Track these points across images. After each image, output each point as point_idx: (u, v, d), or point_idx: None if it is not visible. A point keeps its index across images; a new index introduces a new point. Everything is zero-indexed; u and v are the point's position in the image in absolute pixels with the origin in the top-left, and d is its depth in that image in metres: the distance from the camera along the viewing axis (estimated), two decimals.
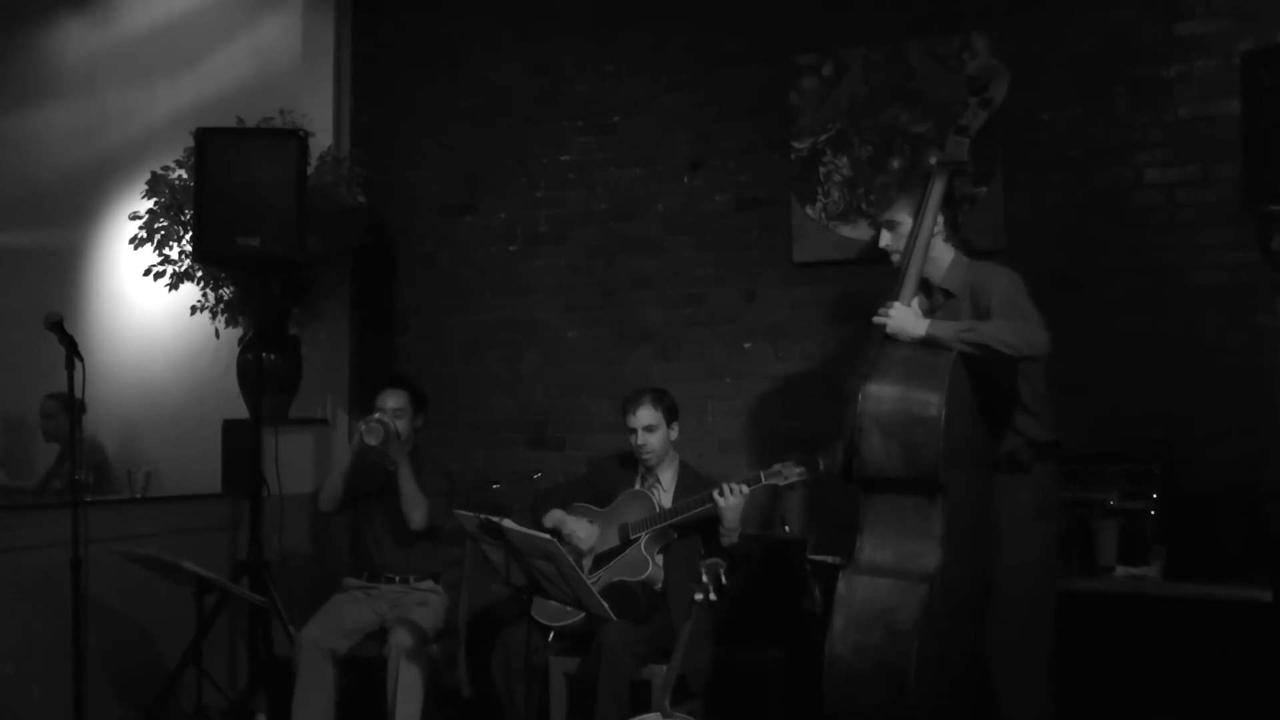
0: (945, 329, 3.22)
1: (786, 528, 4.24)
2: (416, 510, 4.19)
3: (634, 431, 4.01)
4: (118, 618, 4.33)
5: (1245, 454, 3.77)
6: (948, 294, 3.38)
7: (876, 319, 3.30)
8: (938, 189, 3.32)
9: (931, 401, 3.07)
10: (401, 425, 4.25)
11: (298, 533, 4.92)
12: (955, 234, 3.45)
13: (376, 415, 4.17)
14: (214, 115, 4.97)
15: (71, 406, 4.17)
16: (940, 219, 3.36)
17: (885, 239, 3.49)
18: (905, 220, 3.40)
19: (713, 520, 3.83)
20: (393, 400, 4.29)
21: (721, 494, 3.76)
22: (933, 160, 3.48)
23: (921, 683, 2.97)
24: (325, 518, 4.84)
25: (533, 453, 5.06)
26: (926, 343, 3.21)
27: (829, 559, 3.79)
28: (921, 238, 3.31)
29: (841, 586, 3.13)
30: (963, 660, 3.20)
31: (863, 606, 3.08)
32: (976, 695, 3.22)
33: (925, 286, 3.43)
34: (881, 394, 3.16)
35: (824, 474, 3.74)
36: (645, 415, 4.00)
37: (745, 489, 3.77)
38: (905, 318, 3.26)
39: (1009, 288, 3.27)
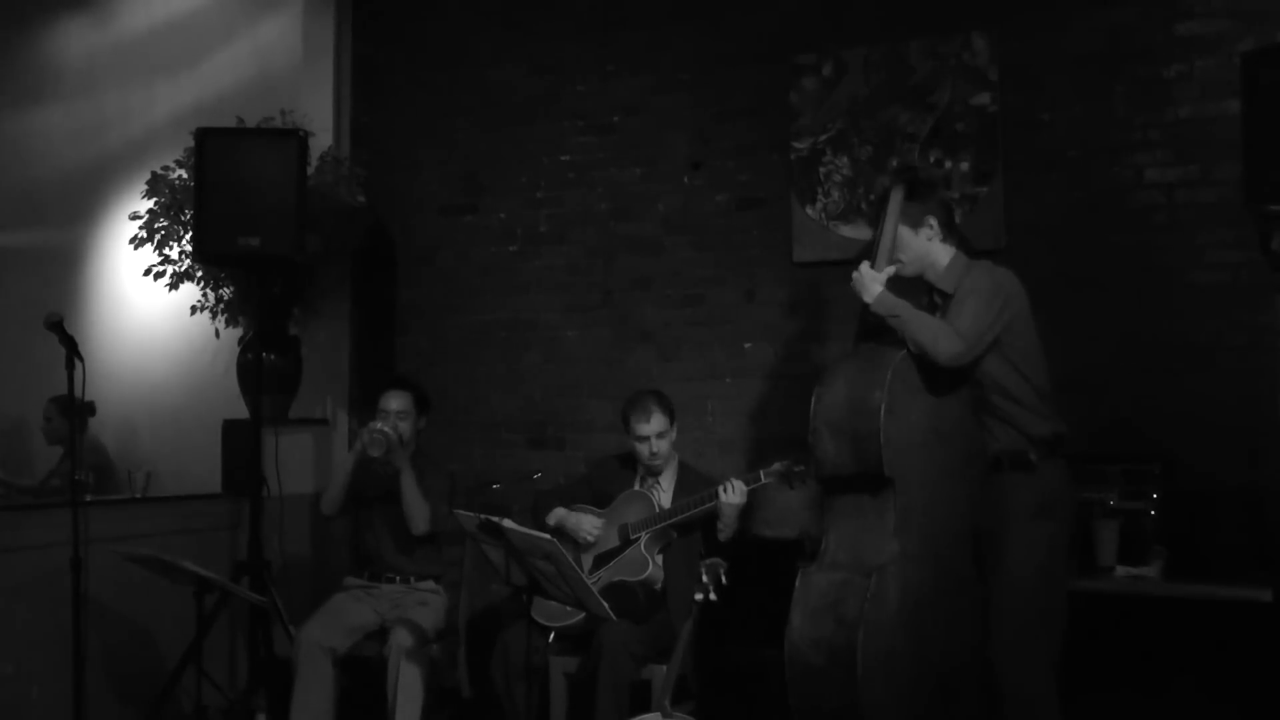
0: (886, 302, 3.35)
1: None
2: (419, 516, 4.18)
3: (644, 440, 4.00)
4: (118, 618, 4.33)
5: (1245, 454, 3.77)
6: (945, 295, 3.38)
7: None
8: (896, 198, 3.42)
9: (871, 395, 3.21)
10: (404, 427, 4.25)
11: (298, 533, 4.92)
12: (951, 234, 3.45)
13: (379, 426, 4.17)
14: (214, 115, 4.97)
15: (70, 410, 4.19)
16: (934, 222, 3.40)
17: None
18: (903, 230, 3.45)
19: (712, 518, 3.84)
20: (396, 402, 4.29)
21: (725, 490, 3.77)
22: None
23: (876, 671, 3.02)
24: (326, 518, 4.85)
25: (533, 453, 5.06)
26: (873, 308, 3.35)
27: None
28: (884, 245, 3.41)
29: (799, 584, 3.26)
30: (953, 661, 3.21)
31: (817, 600, 3.20)
32: (983, 696, 3.21)
33: (929, 289, 3.45)
34: (829, 395, 3.33)
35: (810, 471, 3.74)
36: (657, 423, 3.99)
37: (744, 487, 3.77)
38: (864, 276, 3.40)
39: (973, 288, 3.29)
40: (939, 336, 3.23)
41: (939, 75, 3.46)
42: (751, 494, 3.81)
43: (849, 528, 3.30)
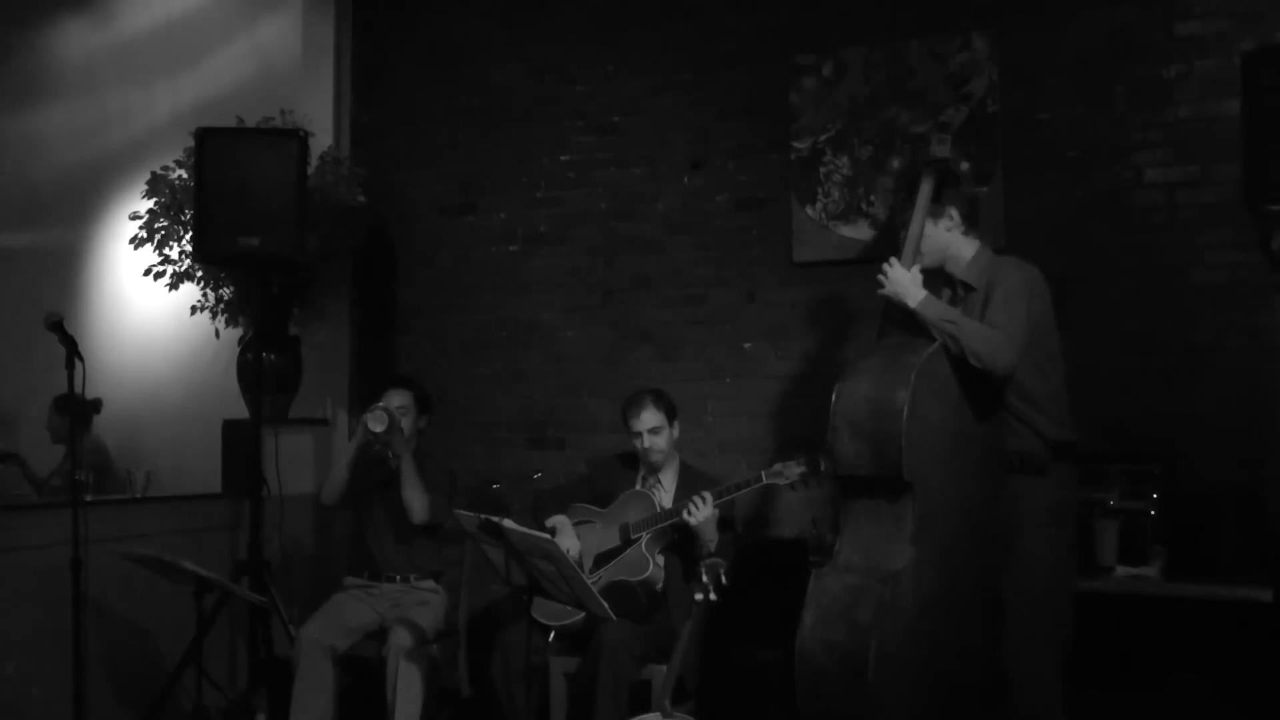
0: (934, 308, 3.25)
1: (813, 521, 4.22)
2: (418, 504, 4.19)
3: (639, 435, 4.00)
4: (118, 618, 4.33)
5: (1245, 454, 3.77)
6: (968, 287, 3.37)
7: (880, 277, 3.33)
8: (925, 189, 3.35)
9: (895, 397, 3.11)
10: (405, 424, 4.25)
11: (298, 533, 4.92)
12: (972, 227, 3.45)
13: (381, 403, 4.18)
14: (214, 115, 4.97)
15: (71, 410, 4.20)
16: (955, 214, 3.39)
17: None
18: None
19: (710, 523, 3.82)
20: (397, 399, 4.30)
21: (689, 512, 3.74)
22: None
23: (888, 678, 2.98)
24: (326, 516, 4.85)
25: (533, 453, 5.06)
26: (915, 314, 3.25)
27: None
28: (911, 236, 3.34)
29: (812, 584, 3.19)
30: (965, 663, 3.18)
31: (830, 603, 3.13)
32: (993, 698, 3.20)
33: (948, 281, 3.43)
34: (852, 392, 3.22)
35: (825, 473, 3.73)
36: (649, 418, 3.99)
37: (710, 498, 3.75)
38: (902, 279, 3.30)
39: (1013, 289, 3.25)
40: (997, 349, 3.14)
41: (974, 65, 3.37)
42: (754, 495, 3.80)
43: (865, 530, 3.22)
